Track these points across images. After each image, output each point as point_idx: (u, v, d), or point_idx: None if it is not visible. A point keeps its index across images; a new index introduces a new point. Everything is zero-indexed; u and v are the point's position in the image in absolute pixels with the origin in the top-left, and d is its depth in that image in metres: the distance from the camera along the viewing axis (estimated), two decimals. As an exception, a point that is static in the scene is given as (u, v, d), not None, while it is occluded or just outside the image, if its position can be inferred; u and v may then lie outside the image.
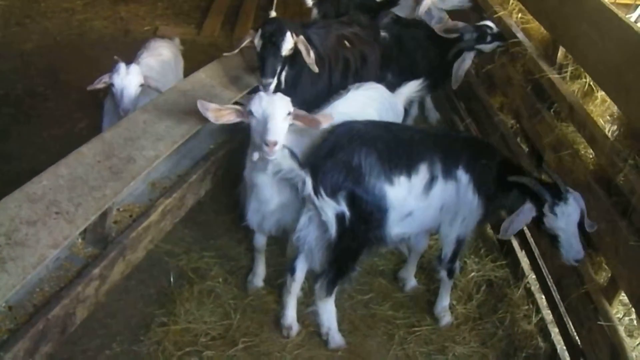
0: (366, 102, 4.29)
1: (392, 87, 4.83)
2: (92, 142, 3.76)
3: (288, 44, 4.24)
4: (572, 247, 3.53)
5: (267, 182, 3.67)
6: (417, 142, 3.80)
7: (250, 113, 3.47)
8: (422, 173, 3.71)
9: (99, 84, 4.43)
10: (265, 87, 4.20)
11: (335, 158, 3.60)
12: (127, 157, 3.71)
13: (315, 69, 4.38)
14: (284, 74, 4.37)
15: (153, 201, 3.94)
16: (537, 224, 3.67)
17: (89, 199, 3.35)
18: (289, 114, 3.51)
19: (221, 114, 3.56)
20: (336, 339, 3.99)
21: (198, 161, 4.32)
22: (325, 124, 3.61)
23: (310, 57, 4.33)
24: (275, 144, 3.33)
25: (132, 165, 3.67)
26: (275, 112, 3.42)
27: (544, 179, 3.78)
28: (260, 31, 4.25)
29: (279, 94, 3.57)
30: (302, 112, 3.62)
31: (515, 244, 4.78)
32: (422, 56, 5.56)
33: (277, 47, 4.21)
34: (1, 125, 5.86)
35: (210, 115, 3.54)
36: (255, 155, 3.53)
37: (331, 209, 3.60)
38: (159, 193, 4.05)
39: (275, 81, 4.25)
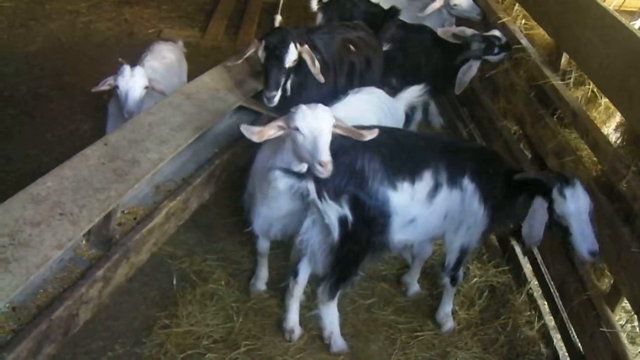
0: (365, 107, 4.28)
1: (396, 92, 4.85)
2: (96, 144, 3.77)
3: (292, 55, 4.21)
4: (585, 237, 3.39)
5: (284, 192, 3.64)
6: (422, 149, 3.79)
7: (297, 129, 3.38)
8: (426, 180, 3.70)
9: (104, 86, 4.44)
10: (270, 100, 4.21)
11: (338, 161, 3.57)
12: (132, 159, 3.72)
13: (321, 79, 4.35)
14: (289, 82, 4.35)
15: (157, 204, 3.93)
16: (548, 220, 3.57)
17: (93, 201, 3.36)
18: (333, 125, 3.43)
19: (264, 133, 3.50)
20: (338, 343, 4.00)
21: (202, 164, 4.32)
22: (368, 138, 3.50)
23: (315, 67, 4.31)
24: (327, 163, 3.29)
25: (136, 167, 3.68)
26: (323, 128, 3.35)
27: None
28: (264, 42, 4.22)
29: (321, 106, 3.45)
30: (344, 124, 3.51)
31: (517, 250, 4.78)
32: (427, 61, 5.57)
33: (281, 59, 4.19)
34: (5, 127, 5.87)
35: (255, 137, 3.50)
36: (301, 167, 3.52)
37: (334, 212, 3.59)
38: (163, 196, 4.04)
39: (279, 93, 4.24)
